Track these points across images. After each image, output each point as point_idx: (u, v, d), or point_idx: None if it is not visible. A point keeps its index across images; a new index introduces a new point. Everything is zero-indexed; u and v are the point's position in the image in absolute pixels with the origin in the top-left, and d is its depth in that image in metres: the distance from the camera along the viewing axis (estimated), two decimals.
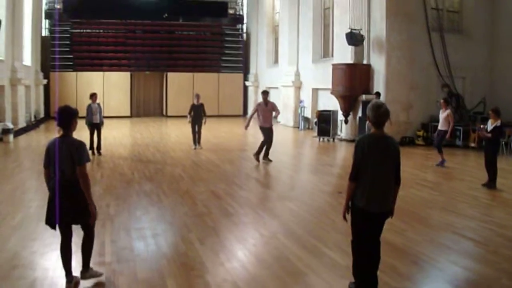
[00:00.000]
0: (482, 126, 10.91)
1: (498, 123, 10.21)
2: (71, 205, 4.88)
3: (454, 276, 5.54)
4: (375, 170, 4.62)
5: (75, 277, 5.08)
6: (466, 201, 9.15)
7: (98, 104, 14.25)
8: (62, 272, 5.05)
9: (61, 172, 4.88)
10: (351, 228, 4.84)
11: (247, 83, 31.72)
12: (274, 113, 13.53)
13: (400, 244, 6.52)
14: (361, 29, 17.84)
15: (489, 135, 10.29)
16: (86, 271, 5.15)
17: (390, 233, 6.66)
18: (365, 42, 18.06)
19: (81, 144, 4.96)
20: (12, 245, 6.24)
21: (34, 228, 6.88)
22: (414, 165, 13.11)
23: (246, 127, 13.89)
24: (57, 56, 26.11)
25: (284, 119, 24.72)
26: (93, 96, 14.14)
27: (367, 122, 5.02)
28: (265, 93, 13.45)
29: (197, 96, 16.02)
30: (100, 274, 5.25)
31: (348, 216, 4.80)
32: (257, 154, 13.23)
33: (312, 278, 5.39)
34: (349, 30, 17.61)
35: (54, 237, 6.40)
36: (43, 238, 6.44)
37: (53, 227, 5.00)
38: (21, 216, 7.59)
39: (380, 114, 4.61)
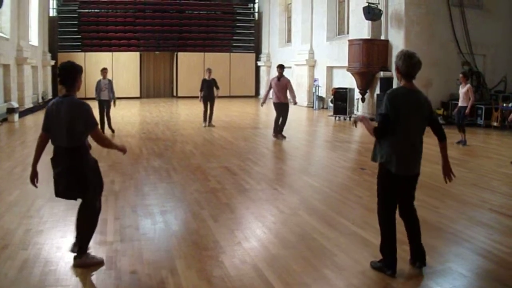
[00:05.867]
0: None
1: None
2: (65, 176, 4.23)
3: (502, 257, 4.80)
4: (405, 127, 4.21)
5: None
6: (499, 179, 8.45)
7: (109, 81, 13.42)
8: (57, 251, 4.46)
9: (57, 137, 4.25)
10: (376, 193, 4.52)
11: (259, 63, 30.97)
12: (288, 94, 12.81)
13: (435, 222, 5.87)
14: (378, 3, 17.10)
15: None
16: (79, 256, 4.37)
17: (422, 210, 5.96)
18: (382, 17, 17.30)
19: (84, 106, 4.25)
20: (5, 222, 5.62)
21: (31, 205, 6.28)
22: (435, 143, 12.18)
23: (262, 104, 13.50)
24: (64, 36, 25.31)
25: (298, 99, 23.83)
26: (103, 71, 13.37)
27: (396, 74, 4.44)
28: (280, 67, 12.70)
29: (209, 71, 15.25)
30: (99, 261, 4.49)
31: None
32: (274, 132, 12.77)
33: (342, 258, 4.73)
34: (367, 4, 16.78)
35: (52, 214, 5.85)
36: (40, 215, 5.84)
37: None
38: (18, 193, 6.96)
39: (413, 64, 4.20)
